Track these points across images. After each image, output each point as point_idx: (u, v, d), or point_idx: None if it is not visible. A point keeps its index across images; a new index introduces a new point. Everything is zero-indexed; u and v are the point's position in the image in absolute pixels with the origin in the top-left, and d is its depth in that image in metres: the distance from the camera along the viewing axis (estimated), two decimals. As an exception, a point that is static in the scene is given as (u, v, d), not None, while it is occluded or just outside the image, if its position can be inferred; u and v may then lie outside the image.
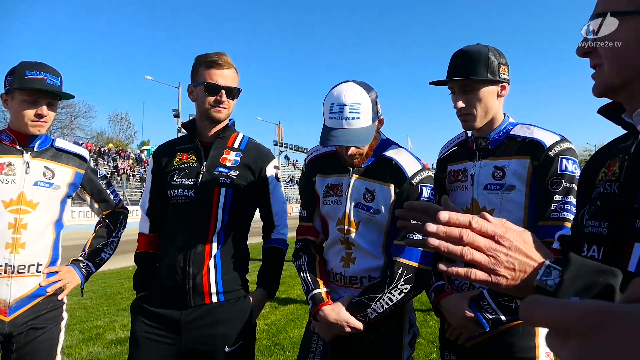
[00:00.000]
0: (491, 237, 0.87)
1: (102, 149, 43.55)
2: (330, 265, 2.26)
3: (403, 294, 2.00)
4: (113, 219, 2.78)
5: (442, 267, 0.90)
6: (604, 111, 1.25)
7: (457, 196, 2.12)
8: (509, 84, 2.02)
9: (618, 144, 1.26)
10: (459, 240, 0.86)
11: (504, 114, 2.07)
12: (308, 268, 2.25)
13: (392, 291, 1.98)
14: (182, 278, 2.27)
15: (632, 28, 1.04)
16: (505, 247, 0.86)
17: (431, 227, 0.87)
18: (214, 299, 2.30)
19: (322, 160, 2.31)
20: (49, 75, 2.36)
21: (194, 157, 2.43)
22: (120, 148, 49.87)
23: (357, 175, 2.15)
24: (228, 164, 2.41)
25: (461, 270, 0.88)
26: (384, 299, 1.99)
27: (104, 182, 2.79)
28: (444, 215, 0.87)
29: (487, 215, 0.90)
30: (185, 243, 2.29)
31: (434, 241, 0.86)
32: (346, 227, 2.15)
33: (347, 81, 2.01)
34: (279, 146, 63.03)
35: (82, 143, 42.55)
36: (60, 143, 2.59)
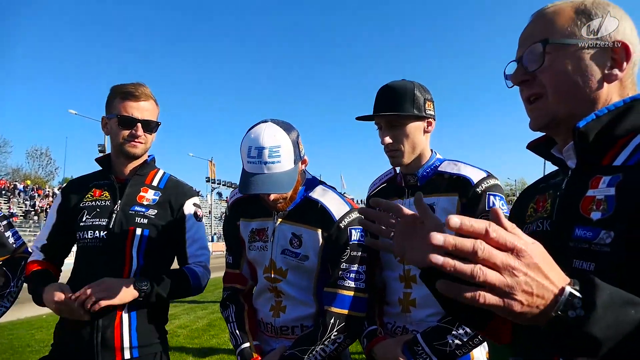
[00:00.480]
0: (509, 250, 0.72)
1: (17, 186, 40.54)
2: (260, 315, 2.15)
3: (337, 344, 1.91)
4: (12, 265, 2.44)
5: (436, 259, 0.72)
6: (533, 146, 1.22)
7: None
8: (434, 119, 2.02)
9: (548, 179, 1.23)
10: (471, 256, 0.70)
11: (431, 150, 2.06)
12: (236, 319, 2.12)
13: (326, 342, 1.89)
14: (89, 332, 2.04)
15: (575, 56, 1.03)
16: (525, 264, 0.71)
17: (437, 238, 0.70)
18: (127, 355, 2.08)
19: (245, 203, 2.20)
20: None
21: (107, 194, 2.24)
22: (38, 185, 46.77)
23: (282, 219, 2.05)
24: (145, 202, 2.24)
25: (466, 268, 0.70)
26: (317, 351, 1.88)
27: (3, 223, 2.49)
28: (454, 220, 0.70)
29: (503, 218, 0.76)
30: None
31: (437, 259, 0.71)
32: (273, 275, 2.05)
33: (265, 121, 1.90)
34: (212, 183, 61.49)
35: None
36: None
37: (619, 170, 0.95)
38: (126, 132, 2.18)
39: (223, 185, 65.48)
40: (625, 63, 1.03)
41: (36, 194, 42.00)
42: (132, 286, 2.02)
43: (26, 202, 38.89)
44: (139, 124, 2.18)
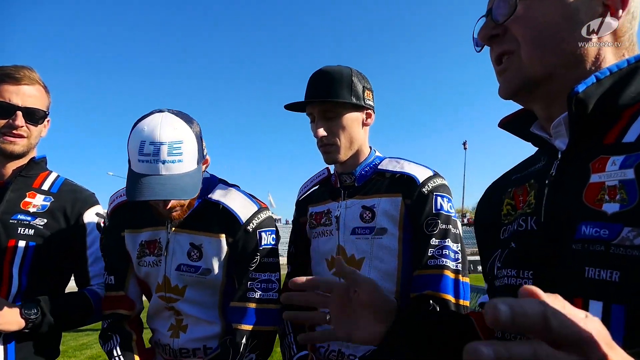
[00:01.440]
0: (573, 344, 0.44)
1: None
2: (157, 336, 1.81)
3: None
4: None
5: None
6: (507, 123, 0.99)
7: (321, 243, 1.81)
8: (374, 111, 1.79)
9: (525, 168, 1.00)
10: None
11: (370, 147, 1.83)
12: (122, 351, 1.73)
13: None
14: None
15: (558, 1, 0.79)
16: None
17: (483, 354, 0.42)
18: None
19: (130, 209, 1.80)
20: None
21: None
22: None
23: (177, 228, 1.73)
24: (32, 209, 1.84)
25: None
26: None
27: None
28: (505, 313, 0.43)
29: (541, 294, 0.48)
30: None
31: None
32: (167, 294, 1.73)
33: (161, 110, 1.56)
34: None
35: None
36: None
37: (634, 148, 0.72)
38: (2, 122, 1.76)
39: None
40: (620, 11, 0.80)
41: None
42: (17, 312, 1.63)
43: None
44: (19, 112, 1.77)
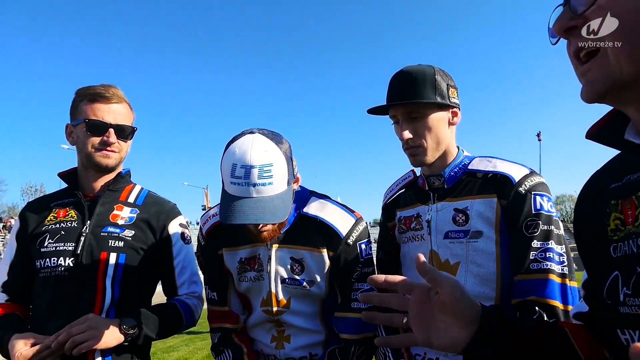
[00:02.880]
0: None
1: (6, 222, 39.93)
2: (259, 346, 1.86)
3: None
4: None
5: None
6: (596, 133, 0.85)
7: (412, 248, 1.75)
8: (459, 109, 1.71)
9: (621, 175, 0.87)
10: None
11: (457, 147, 1.75)
12: None
13: None
14: None
15: None
16: None
17: None
18: None
19: (225, 228, 1.84)
20: None
21: (74, 213, 1.89)
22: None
23: (278, 245, 1.76)
24: (120, 222, 1.90)
25: None
26: None
27: None
28: None
29: None
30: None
31: None
32: (275, 308, 1.77)
33: (252, 132, 1.56)
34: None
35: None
36: None
37: None
38: (96, 140, 1.84)
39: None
40: None
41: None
42: (117, 328, 1.68)
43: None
44: (111, 129, 1.85)
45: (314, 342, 1.80)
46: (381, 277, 1.00)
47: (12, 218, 43.40)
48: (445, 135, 1.66)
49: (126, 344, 1.72)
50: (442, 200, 1.69)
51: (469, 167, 1.67)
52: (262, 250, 1.78)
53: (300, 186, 1.82)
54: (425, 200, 1.74)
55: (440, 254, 1.63)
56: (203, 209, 59.87)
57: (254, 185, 1.47)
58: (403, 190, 1.91)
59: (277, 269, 1.75)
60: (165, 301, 1.99)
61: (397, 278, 0.99)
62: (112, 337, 1.67)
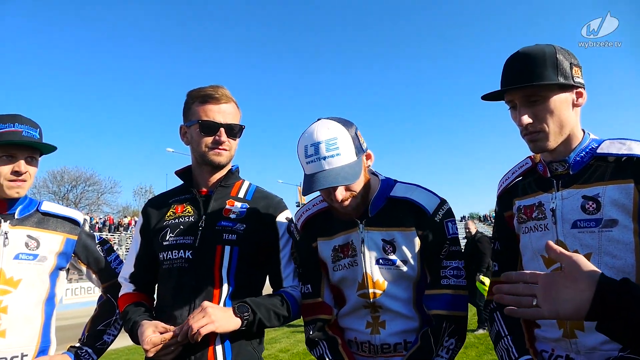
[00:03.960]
0: None
1: (120, 222, 43.62)
2: (352, 334, 1.88)
3: (450, 352, 1.73)
4: (115, 292, 2.21)
5: None
6: None
7: (534, 239, 1.64)
8: (585, 89, 1.56)
9: None
10: None
11: (583, 130, 1.61)
12: (333, 356, 1.81)
13: (441, 352, 1.71)
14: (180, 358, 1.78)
15: None
16: None
17: None
18: None
19: (320, 220, 1.96)
20: (25, 126, 2.00)
21: (191, 209, 2.01)
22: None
23: (368, 227, 1.83)
24: (232, 216, 1.99)
25: None
26: None
27: (104, 248, 2.32)
28: None
29: None
30: (183, 320, 1.79)
31: None
32: (371, 290, 1.81)
33: (319, 119, 1.79)
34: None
35: (106, 218, 43.06)
36: (47, 206, 2.17)
37: None
38: (209, 139, 1.95)
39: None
40: None
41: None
42: (233, 314, 1.78)
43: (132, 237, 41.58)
44: (222, 129, 1.94)
45: (408, 328, 1.80)
46: (512, 274, 1.23)
47: (125, 217, 47.36)
48: (569, 118, 1.54)
49: (243, 328, 1.80)
50: (568, 187, 1.57)
51: (598, 150, 1.54)
52: (354, 235, 1.85)
53: (386, 177, 1.93)
54: (547, 188, 1.63)
55: (568, 244, 1.52)
56: (297, 206, 61.21)
57: (324, 158, 1.66)
58: (520, 178, 1.79)
59: (370, 251, 1.81)
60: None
61: (525, 272, 1.21)
62: (230, 321, 1.76)
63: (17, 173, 1.97)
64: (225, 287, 1.89)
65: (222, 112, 1.95)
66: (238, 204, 2.03)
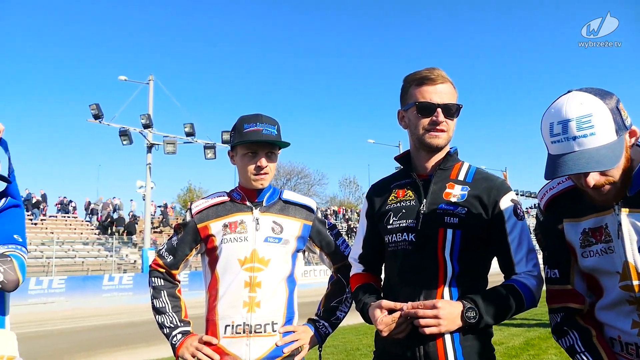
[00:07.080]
0: None
1: (328, 211, 47.00)
2: (615, 333, 1.66)
3: None
4: (345, 273, 2.44)
5: None
6: None
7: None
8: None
9: None
10: None
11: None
12: (586, 348, 1.66)
13: None
14: (411, 344, 1.86)
15: None
16: None
17: None
18: None
19: (566, 199, 1.77)
20: (264, 125, 2.30)
21: (411, 193, 2.06)
22: (351, 208, 53.05)
23: (628, 209, 1.58)
24: (453, 199, 1.97)
25: None
26: None
27: (333, 232, 2.57)
28: None
29: None
30: (409, 300, 1.86)
31: None
32: (635, 282, 1.57)
33: (569, 91, 1.55)
34: (509, 194, 58.50)
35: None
36: (287, 195, 2.50)
37: None
38: (426, 121, 1.96)
39: (521, 195, 61.44)
40: None
41: (350, 217, 47.84)
42: (459, 315, 1.78)
43: (342, 225, 44.65)
44: (439, 109, 1.93)
45: None
46: None
47: (331, 207, 50.80)
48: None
49: (466, 327, 1.80)
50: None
51: None
52: (609, 218, 1.62)
53: None
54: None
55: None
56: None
57: (574, 138, 1.46)
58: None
59: (630, 236, 1.57)
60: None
61: None
62: (453, 323, 1.77)
63: (259, 168, 2.29)
64: (450, 269, 1.89)
65: (439, 93, 1.95)
66: (458, 187, 2.00)
